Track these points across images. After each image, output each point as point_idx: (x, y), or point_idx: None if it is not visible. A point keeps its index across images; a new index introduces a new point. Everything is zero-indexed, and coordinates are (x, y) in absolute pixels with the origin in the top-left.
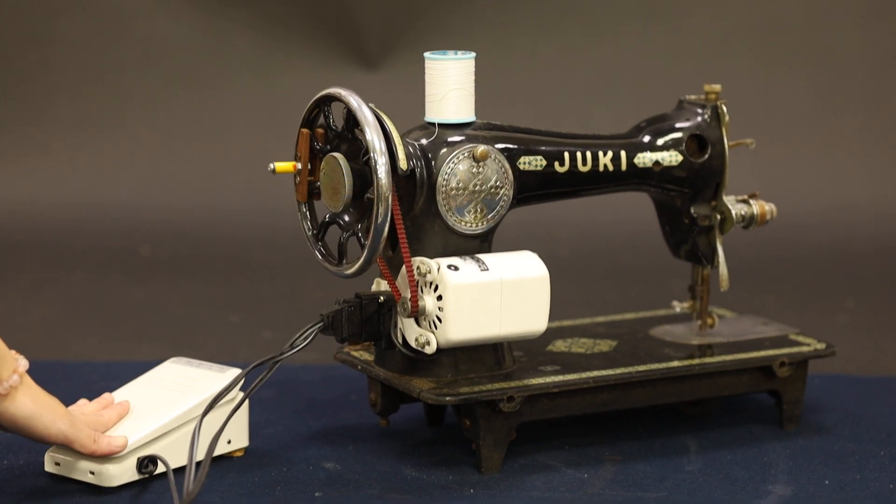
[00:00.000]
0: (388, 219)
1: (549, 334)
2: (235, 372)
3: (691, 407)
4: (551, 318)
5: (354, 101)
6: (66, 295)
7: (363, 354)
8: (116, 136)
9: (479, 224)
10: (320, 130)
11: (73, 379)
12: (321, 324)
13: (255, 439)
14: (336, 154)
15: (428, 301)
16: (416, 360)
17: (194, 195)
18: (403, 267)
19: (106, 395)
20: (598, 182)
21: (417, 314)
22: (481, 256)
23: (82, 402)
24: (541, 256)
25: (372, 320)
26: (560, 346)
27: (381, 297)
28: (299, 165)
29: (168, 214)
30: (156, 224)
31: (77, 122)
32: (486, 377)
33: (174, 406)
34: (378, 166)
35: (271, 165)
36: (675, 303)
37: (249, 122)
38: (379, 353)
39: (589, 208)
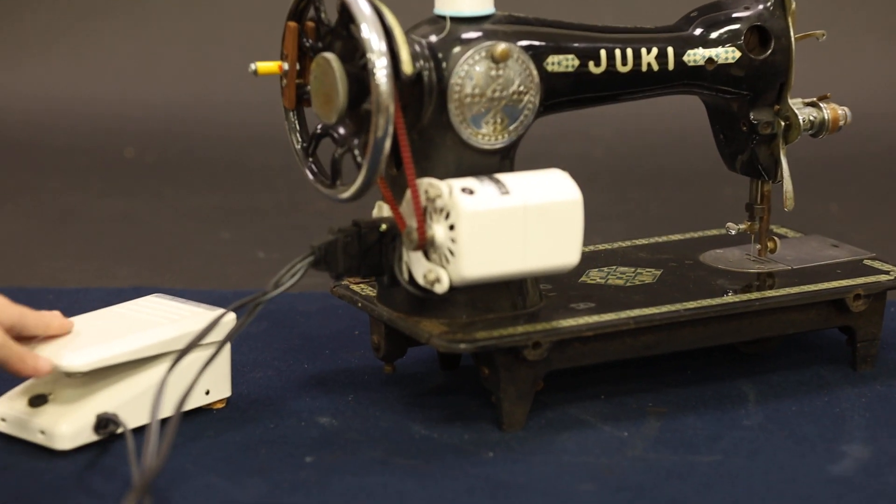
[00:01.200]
0: (390, 133)
1: (583, 262)
2: (221, 311)
3: (749, 344)
4: (584, 238)
5: None
6: (36, 206)
7: (364, 288)
8: (98, 24)
9: (500, 137)
10: (311, 24)
11: (36, 308)
12: (312, 257)
13: (240, 386)
14: (328, 54)
15: (438, 231)
16: (424, 299)
17: (186, 88)
18: (408, 190)
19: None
20: (640, 84)
21: (425, 247)
22: (501, 177)
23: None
24: (573, 161)
25: (372, 252)
26: (595, 276)
27: (383, 226)
28: (286, 66)
29: (155, 111)
30: (141, 122)
31: (53, 8)
32: (508, 318)
33: (142, 336)
34: (377, 70)
35: (252, 66)
36: (730, 224)
37: (246, 4)
38: (382, 288)
39: (628, 115)
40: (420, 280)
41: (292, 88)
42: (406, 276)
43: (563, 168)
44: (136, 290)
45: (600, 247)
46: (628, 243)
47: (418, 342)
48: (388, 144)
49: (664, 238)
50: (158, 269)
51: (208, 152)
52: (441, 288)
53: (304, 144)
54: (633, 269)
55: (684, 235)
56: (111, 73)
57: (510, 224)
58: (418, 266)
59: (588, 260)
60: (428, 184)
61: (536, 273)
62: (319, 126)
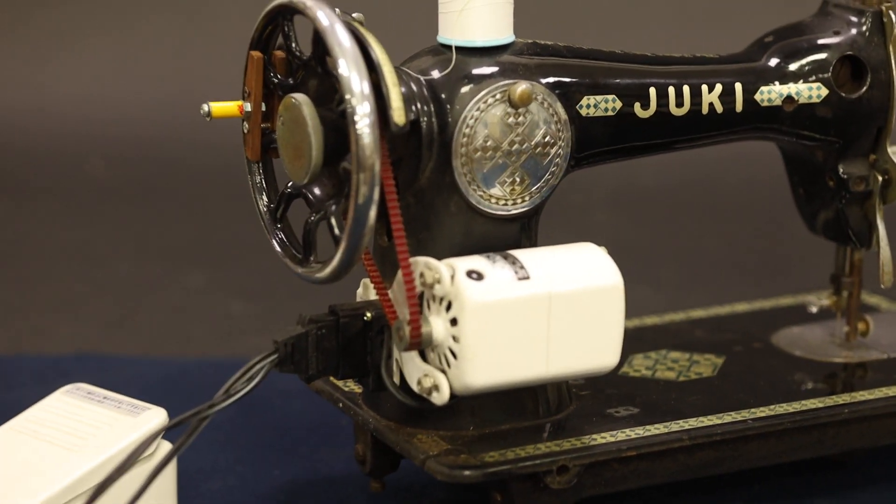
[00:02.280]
0: (375, 198)
1: (627, 343)
2: (155, 416)
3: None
4: (627, 296)
5: (323, 16)
6: None
7: (349, 383)
8: (61, 13)
9: (519, 201)
10: (280, 54)
11: None
12: (275, 356)
13: (191, 501)
14: (298, 96)
15: (437, 326)
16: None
17: (163, 97)
18: (399, 272)
19: None
20: (699, 129)
21: (420, 345)
22: (519, 255)
23: None
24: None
25: (354, 348)
26: (640, 365)
27: (368, 313)
28: (248, 106)
29: (128, 121)
30: (111, 134)
31: None
32: (528, 429)
33: (58, 472)
34: (357, 118)
35: (205, 107)
36: (811, 299)
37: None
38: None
39: (685, 164)
40: (414, 386)
41: (256, 135)
42: (397, 379)
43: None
44: (77, 359)
45: (647, 321)
46: (682, 316)
47: None
48: (372, 213)
49: (727, 309)
50: (109, 327)
51: (186, 173)
52: (440, 398)
53: (272, 205)
54: (687, 356)
55: (752, 305)
56: (81, 78)
57: (530, 318)
58: (412, 368)
59: (632, 340)
60: (424, 265)
61: (562, 378)
62: (290, 183)
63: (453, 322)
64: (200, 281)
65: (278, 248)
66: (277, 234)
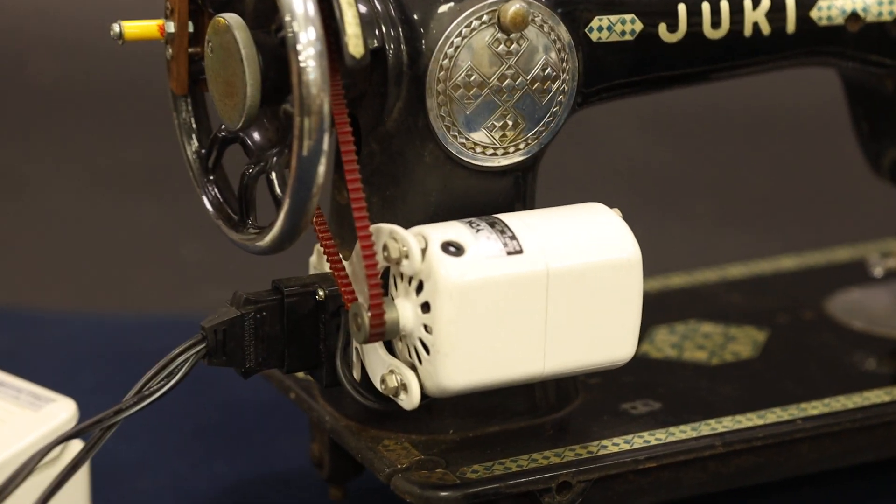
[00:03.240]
0: (324, 148)
1: (647, 312)
2: (61, 410)
3: None
4: (647, 259)
5: None
6: None
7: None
8: None
9: (511, 150)
10: None
11: None
12: (202, 346)
13: None
14: (229, 16)
15: (405, 312)
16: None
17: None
18: (357, 244)
19: None
20: (740, 55)
21: (383, 336)
22: (509, 220)
23: None
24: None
25: (303, 334)
26: (663, 342)
27: (321, 292)
28: (171, 27)
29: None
30: (60, 28)
31: None
32: (521, 431)
33: None
34: (300, 49)
35: (115, 27)
36: (874, 256)
37: None
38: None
39: (722, 91)
40: (377, 384)
41: (183, 63)
42: (358, 374)
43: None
44: None
45: (673, 281)
46: (716, 274)
47: None
48: (321, 169)
49: (770, 265)
50: (34, 275)
51: (144, 86)
52: (409, 402)
53: (202, 151)
54: (722, 330)
55: (801, 260)
56: None
57: (522, 302)
58: (375, 362)
59: (655, 308)
60: (389, 235)
61: (563, 376)
62: (223, 126)
63: (425, 307)
64: (150, 216)
65: (209, 206)
66: (209, 189)
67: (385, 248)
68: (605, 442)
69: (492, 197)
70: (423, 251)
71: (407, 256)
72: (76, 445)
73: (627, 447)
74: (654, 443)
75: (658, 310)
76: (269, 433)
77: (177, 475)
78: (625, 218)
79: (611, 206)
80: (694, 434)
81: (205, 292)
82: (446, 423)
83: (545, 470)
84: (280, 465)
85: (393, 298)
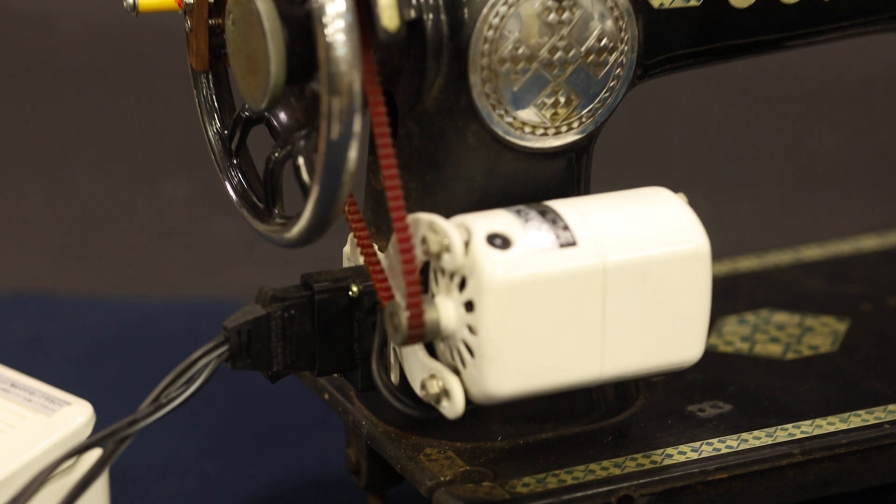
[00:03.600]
0: (357, 130)
1: (714, 298)
2: (77, 414)
3: None
4: (714, 241)
5: None
6: None
7: None
8: None
9: (563, 129)
10: None
11: None
12: (224, 347)
13: None
14: None
15: (446, 312)
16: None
17: None
18: (393, 236)
19: None
20: (821, 21)
21: (423, 338)
22: (562, 208)
23: None
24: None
25: (335, 333)
26: (732, 334)
27: (354, 287)
28: None
29: None
30: None
31: None
32: (576, 439)
33: None
34: (327, 22)
35: None
36: None
37: None
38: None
39: (795, 61)
40: (417, 389)
41: (203, 36)
42: (396, 378)
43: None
44: (14, 301)
45: (743, 265)
46: (790, 256)
47: None
48: (352, 154)
49: (851, 246)
50: (58, 257)
51: (172, 56)
52: (452, 410)
53: (224, 132)
54: (798, 320)
55: (884, 238)
56: None
57: (577, 299)
58: (415, 365)
59: (723, 295)
60: (428, 226)
61: (623, 379)
62: (247, 105)
63: (469, 307)
64: (179, 192)
65: (232, 193)
66: (232, 174)
67: (424, 240)
68: (669, 450)
69: (542, 182)
70: (466, 244)
71: (448, 250)
72: (94, 452)
73: (695, 456)
74: (724, 451)
75: (726, 297)
76: (305, 430)
77: (206, 479)
78: (690, 199)
79: (675, 189)
80: (769, 441)
81: (238, 273)
82: (494, 430)
83: (604, 483)
84: (316, 466)
85: (433, 296)
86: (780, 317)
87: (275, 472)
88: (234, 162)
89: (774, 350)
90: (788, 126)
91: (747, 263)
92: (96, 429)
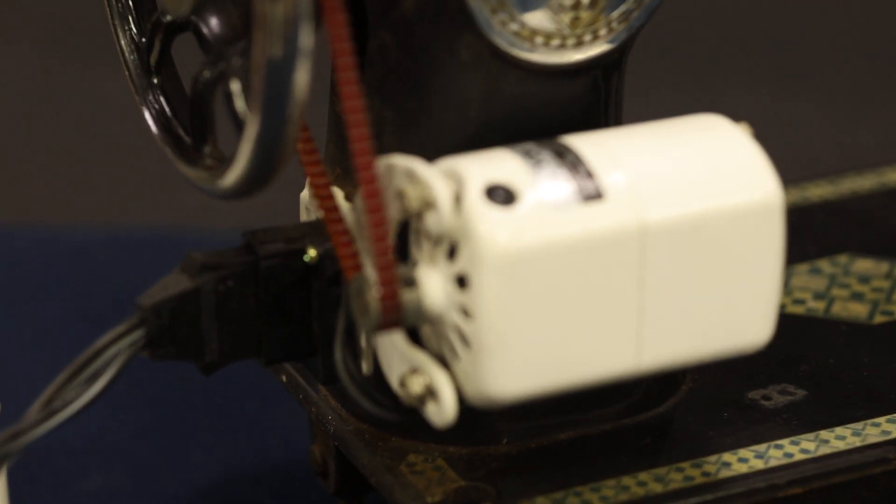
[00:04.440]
0: (306, 45)
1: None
2: None
3: None
4: (776, 163)
5: None
6: None
7: None
8: None
9: (587, 38)
10: None
11: None
12: (139, 332)
13: None
14: None
15: (431, 286)
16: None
17: None
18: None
19: None
20: None
21: (399, 323)
22: (583, 145)
23: None
24: None
25: (286, 310)
26: (803, 290)
27: (311, 251)
28: None
29: None
30: None
31: None
32: (604, 440)
33: None
34: None
35: None
36: None
37: None
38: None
39: None
40: (394, 386)
41: None
42: (367, 366)
43: None
44: None
45: (812, 191)
46: (872, 184)
47: None
48: (301, 75)
49: None
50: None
51: None
52: (440, 414)
53: (141, 41)
54: (886, 268)
55: None
56: None
57: (605, 271)
58: (392, 355)
59: (788, 234)
60: (406, 174)
61: (667, 370)
62: (167, 7)
63: (461, 282)
64: (116, 89)
65: (152, 124)
66: (151, 97)
67: (400, 194)
68: (727, 456)
69: (558, 111)
70: (457, 199)
71: (432, 207)
72: None
73: (760, 464)
74: (798, 456)
75: (793, 239)
76: (265, 407)
77: (139, 471)
78: (749, 116)
79: (735, 116)
80: (857, 441)
81: (189, 197)
82: (497, 430)
83: (643, 502)
84: (279, 453)
85: (414, 265)
86: (864, 264)
87: (227, 459)
88: (155, 81)
89: (858, 311)
90: (865, 10)
91: (818, 191)
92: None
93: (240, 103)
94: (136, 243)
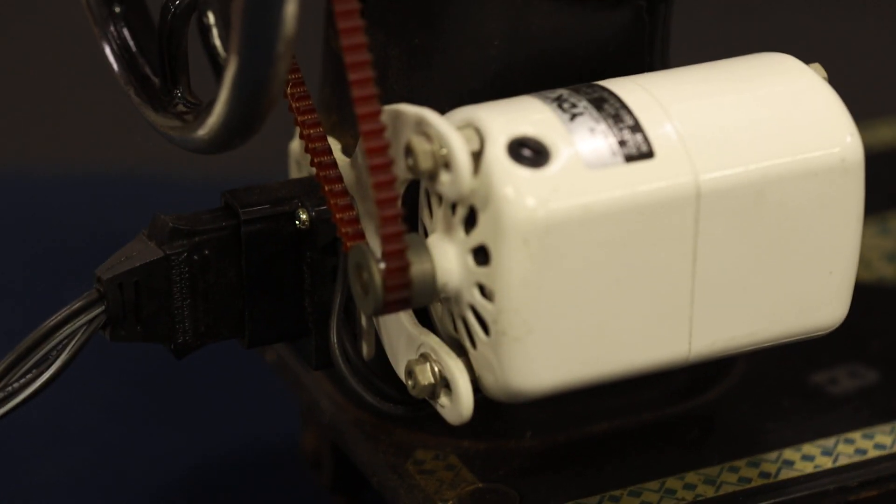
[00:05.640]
0: None
1: None
2: None
3: None
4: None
5: None
6: None
7: None
8: None
9: None
10: None
11: None
12: (99, 309)
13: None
14: None
15: (445, 259)
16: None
17: None
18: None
19: None
20: None
21: (408, 304)
22: (627, 92)
23: None
24: None
25: (272, 283)
26: (873, 253)
27: (302, 214)
28: None
29: None
30: None
31: None
32: (644, 433)
33: None
34: None
35: None
36: None
37: None
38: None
39: None
40: (401, 375)
41: None
42: (369, 350)
43: None
44: None
45: (882, 131)
46: None
47: None
48: (291, 4)
49: None
50: None
51: None
52: (453, 411)
53: None
54: None
55: None
56: None
57: (653, 243)
58: (397, 339)
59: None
60: (416, 126)
61: (723, 356)
62: None
63: (481, 255)
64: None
65: (114, 63)
66: (112, 30)
67: (409, 149)
68: (788, 453)
69: (596, 49)
70: (477, 156)
71: (447, 166)
72: None
73: (827, 462)
74: (871, 453)
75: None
76: (249, 385)
77: (106, 451)
78: (814, 44)
79: (806, 57)
80: None
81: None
82: (520, 421)
83: None
84: (269, 438)
85: (426, 235)
86: None
87: (205, 443)
88: (116, 10)
89: None
90: None
91: (889, 133)
92: None
93: (216, 40)
94: (93, 189)
